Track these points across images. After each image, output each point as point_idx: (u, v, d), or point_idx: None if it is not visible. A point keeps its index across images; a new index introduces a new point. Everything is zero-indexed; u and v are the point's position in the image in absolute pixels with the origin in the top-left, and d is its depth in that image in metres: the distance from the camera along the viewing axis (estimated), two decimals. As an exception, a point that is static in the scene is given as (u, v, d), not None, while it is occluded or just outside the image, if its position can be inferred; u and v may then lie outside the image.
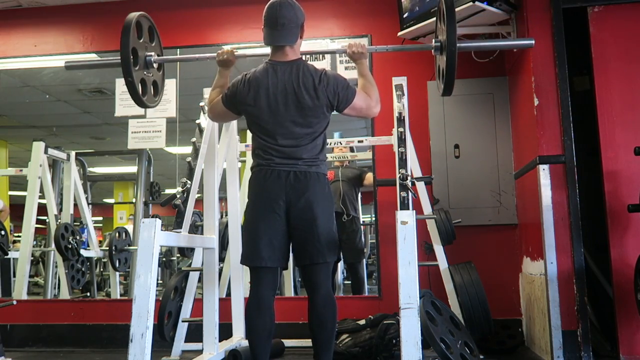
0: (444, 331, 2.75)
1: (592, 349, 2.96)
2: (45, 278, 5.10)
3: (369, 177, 4.39)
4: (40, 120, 6.77)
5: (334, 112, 2.45)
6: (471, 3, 3.16)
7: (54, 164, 4.99)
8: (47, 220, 4.68)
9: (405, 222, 2.40)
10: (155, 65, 2.59)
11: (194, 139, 3.22)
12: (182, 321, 3.24)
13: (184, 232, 2.84)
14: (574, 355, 2.94)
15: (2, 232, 3.85)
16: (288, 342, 3.49)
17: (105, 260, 5.44)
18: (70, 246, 4.39)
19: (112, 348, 3.83)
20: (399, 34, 3.66)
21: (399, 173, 2.83)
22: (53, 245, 4.45)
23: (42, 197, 4.51)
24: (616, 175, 3.03)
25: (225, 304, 3.32)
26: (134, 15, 2.43)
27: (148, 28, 2.58)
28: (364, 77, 2.50)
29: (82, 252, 4.71)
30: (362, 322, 3.31)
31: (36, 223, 4.45)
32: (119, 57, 2.37)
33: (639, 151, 2.72)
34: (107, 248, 4.99)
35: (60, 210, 4.87)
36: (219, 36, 4.07)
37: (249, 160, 4.08)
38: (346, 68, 4.01)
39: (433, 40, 2.47)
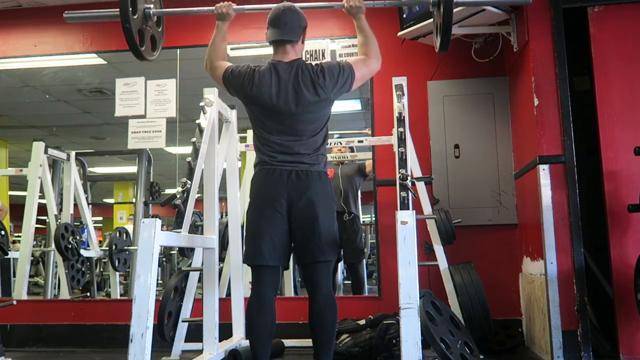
0: (444, 331, 2.75)
1: (592, 349, 2.96)
2: (45, 278, 5.10)
3: (368, 164, 4.39)
4: (40, 120, 6.76)
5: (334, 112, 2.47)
6: (471, 3, 3.16)
7: (54, 164, 4.99)
8: (47, 220, 4.67)
9: (405, 222, 2.40)
10: (154, 19, 2.57)
11: (194, 139, 3.21)
12: (182, 321, 3.24)
13: (184, 232, 2.84)
14: (574, 355, 2.94)
15: (2, 232, 3.84)
16: (288, 342, 3.49)
17: (105, 260, 5.44)
18: (70, 246, 4.39)
19: (112, 348, 3.83)
20: (399, 33, 3.66)
21: (399, 173, 2.83)
22: (53, 245, 4.45)
23: (42, 197, 4.50)
24: (616, 175, 3.03)
25: (225, 304, 3.32)
26: None
27: None
28: (362, 32, 2.51)
29: (82, 252, 4.70)
30: (362, 322, 3.31)
31: (36, 223, 4.45)
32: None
33: (639, 151, 2.72)
34: (107, 248, 4.99)
35: (60, 210, 4.87)
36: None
37: (249, 160, 4.13)
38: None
39: None
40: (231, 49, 4.11)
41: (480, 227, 3.76)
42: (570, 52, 3.16)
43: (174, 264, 5.98)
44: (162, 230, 2.29)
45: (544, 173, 3.07)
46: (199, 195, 3.07)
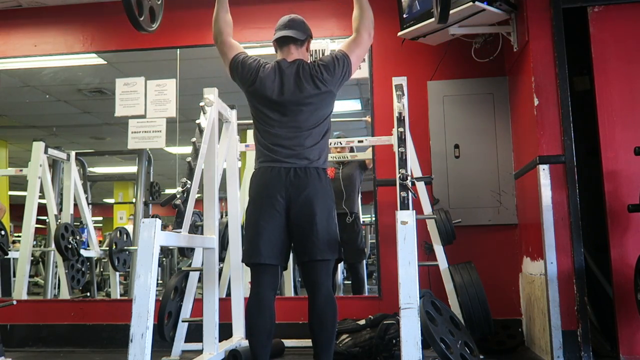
0: (444, 331, 2.75)
1: (592, 349, 2.96)
2: (45, 278, 5.10)
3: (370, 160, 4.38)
4: (40, 120, 6.76)
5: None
6: (471, 3, 3.16)
7: (54, 164, 4.99)
8: (47, 220, 4.67)
9: (405, 222, 2.40)
10: None
11: (194, 139, 3.21)
12: (182, 321, 3.24)
13: (184, 232, 2.84)
14: (574, 355, 2.94)
15: (2, 232, 3.84)
16: (288, 342, 3.49)
17: (105, 260, 5.44)
18: (70, 246, 4.39)
19: (112, 348, 3.83)
20: (399, 33, 3.66)
21: (399, 173, 2.83)
22: (53, 245, 4.45)
23: (42, 197, 4.50)
24: (616, 175, 3.03)
25: (225, 304, 3.32)
26: None
27: None
28: (358, 2, 2.56)
29: (82, 252, 4.70)
30: (362, 322, 3.31)
31: (36, 223, 4.45)
32: None
33: (639, 151, 2.72)
34: (107, 248, 4.99)
35: (60, 210, 4.87)
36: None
37: (249, 160, 4.12)
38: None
39: None
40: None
41: (480, 227, 3.76)
42: (570, 52, 3.16)
43: (174, 263, 5.97)
44: (161, 230, 2.29)
45: (544, 173, 3.07)
46: (199, 195, 3.07)
